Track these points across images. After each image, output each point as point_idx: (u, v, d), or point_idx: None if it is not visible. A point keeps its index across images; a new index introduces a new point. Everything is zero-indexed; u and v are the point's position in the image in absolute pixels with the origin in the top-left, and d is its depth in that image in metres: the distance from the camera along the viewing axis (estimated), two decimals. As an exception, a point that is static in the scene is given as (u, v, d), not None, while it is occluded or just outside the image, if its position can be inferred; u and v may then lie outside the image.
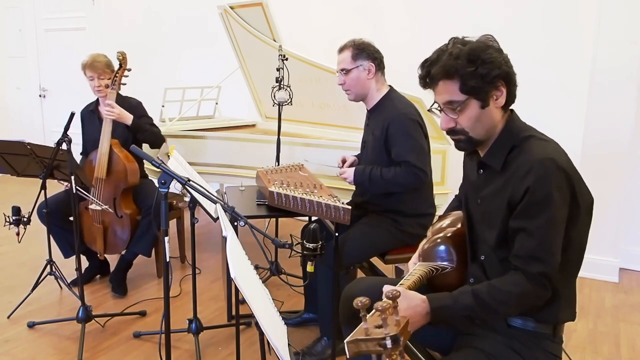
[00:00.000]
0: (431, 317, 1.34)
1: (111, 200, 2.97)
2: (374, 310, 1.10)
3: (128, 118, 2.99)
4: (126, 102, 3.08)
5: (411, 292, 1.34)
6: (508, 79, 1.38)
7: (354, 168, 2.44)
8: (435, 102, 1.44)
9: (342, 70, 2.43)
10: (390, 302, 1.12)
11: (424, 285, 1.53)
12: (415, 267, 1.57)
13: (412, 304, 1.33)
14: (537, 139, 1.39)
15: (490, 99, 1.38)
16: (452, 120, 1.41)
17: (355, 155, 2.63)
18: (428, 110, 1.51)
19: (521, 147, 1.39)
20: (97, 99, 3.16)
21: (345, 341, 1.07)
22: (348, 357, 1.05)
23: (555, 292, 1.38)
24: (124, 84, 3.02)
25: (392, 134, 2.32)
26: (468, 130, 1.41)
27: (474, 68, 1.33)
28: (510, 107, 1.45)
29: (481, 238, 1.49)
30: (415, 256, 1.75)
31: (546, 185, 1.29)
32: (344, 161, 2.57)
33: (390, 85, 2.50)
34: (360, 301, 1.07)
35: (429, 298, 1.35)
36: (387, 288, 1.32)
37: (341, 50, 2.46)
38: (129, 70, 3.00)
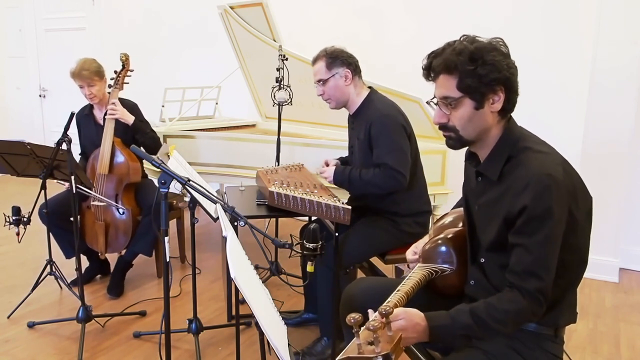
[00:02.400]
0: (429, 336, 1.32)
1: (113, 197, 3.00)
2: (365, 328, 1.09)
3: (130, 118, 3.02)
4: (122, 104, 3.08)
5: (410, 309, 1.32)
6: (508, 85, 1.35)
7: (334, 168, 2.44)
8: (434, 96, 1.44)
9: (319, 81, 2.42)
10: (382, 319, 1.11)
11: (423, 286, 1.53)
12: (414, 270, 1.56)
13: (411, 323, 1.30)
14: (534, 152, 1.36)
15: (486, 102, 1.36)
16: (445, 116, 1.41)
17: (341, 158, 2.63)
18: (427, 103, 1.51)
19: (518, 158, 1.37)
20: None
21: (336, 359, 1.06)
22: None
23: (557, 298, 1.38)
24: (127, 83, 3.06)
25: (373, 136, 2.32)
26: (459, 128, 1.40)
27: (474, 67, 1.32)
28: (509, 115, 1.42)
29: (480, 242, 1.49)
30: (412, 247, 1.74)
31: (544, 201, 1.27)
32: (327, 164, 2.54)
33: (370, 87, 2.48)
34: (353, 317, 1.06)
35: (427, 316, 1.33)
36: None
37: (315, 61, 2.43)
38: (132, 71, 3.05)
